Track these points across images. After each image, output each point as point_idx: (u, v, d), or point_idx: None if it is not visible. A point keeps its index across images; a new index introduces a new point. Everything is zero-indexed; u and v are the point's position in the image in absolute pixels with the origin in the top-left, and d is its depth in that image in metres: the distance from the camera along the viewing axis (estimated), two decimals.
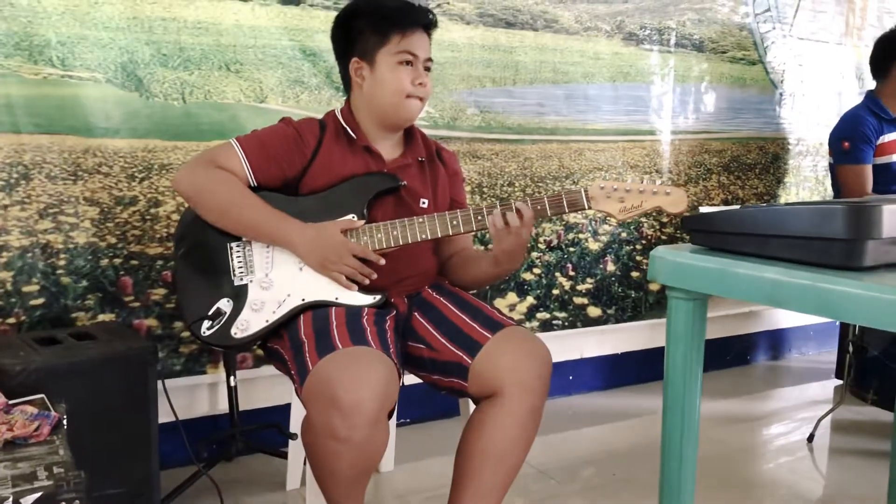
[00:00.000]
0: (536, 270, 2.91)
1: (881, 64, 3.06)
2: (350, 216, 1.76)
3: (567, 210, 1.74)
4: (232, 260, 1.77)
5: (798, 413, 3.09)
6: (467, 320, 1.74)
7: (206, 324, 1.74)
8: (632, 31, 3.01)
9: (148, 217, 2.21)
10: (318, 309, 1.71)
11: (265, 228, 1.74)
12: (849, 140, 2.99)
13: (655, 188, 1.70)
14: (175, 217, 2.22)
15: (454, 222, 1.74)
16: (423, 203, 1.86)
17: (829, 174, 3.19)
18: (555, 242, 2.93)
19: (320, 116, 1.89)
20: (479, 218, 1.73)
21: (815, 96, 3.57)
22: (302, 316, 1.71)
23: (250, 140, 1.78)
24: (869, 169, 2.95)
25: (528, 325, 2.89)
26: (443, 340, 1.73)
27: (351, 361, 1.48)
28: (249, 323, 1.74)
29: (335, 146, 1.82)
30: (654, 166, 3.14)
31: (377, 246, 1.75)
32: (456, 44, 2.62)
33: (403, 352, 1.77)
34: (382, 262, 1.74)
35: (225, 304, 1.75)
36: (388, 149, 1.87)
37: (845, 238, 1.23)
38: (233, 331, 1.73)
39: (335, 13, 1.89)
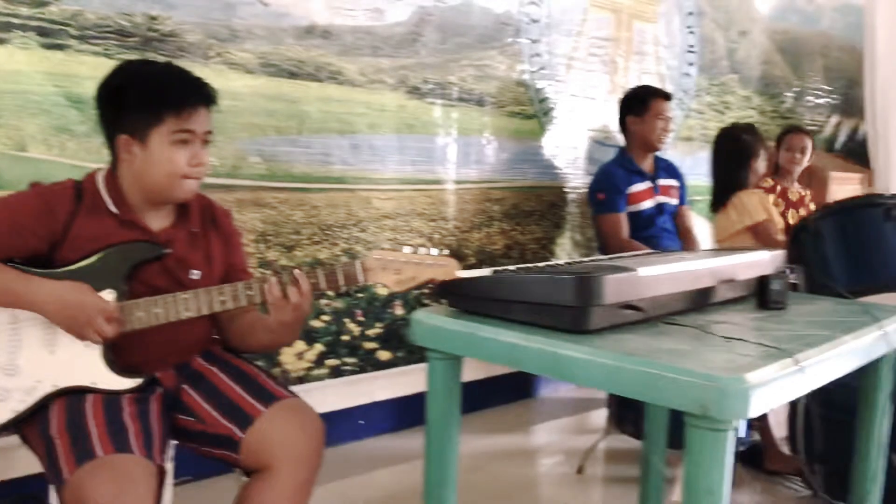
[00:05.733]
0: (325, 317, 2.93)
1: (621, 122, 3.46)
2: (107, 291, 1.61)
3: (343, 283, 1.66)
4: None
5: (574, 443, 3.30)
6: (239, 391, 1.70)
7: None
8: (415, 85, 3.14)
9: None
10: (71, 396, 1.59)
11: (10, 289, 1.56)
12: (603, 192, 3.31)
13: (431, 260, 1.66)
14: None
15: (222, 298, 1.64)
16: (194, 274, 1.74)
17: (593, 224, 3.49)
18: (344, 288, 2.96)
19: (79, 178, 1.72)
20: (250, 293, 1.64)
21: (585, 149, 3.88)
22: (55, 404, 1.58)
23: None
24: (624, 217, 3.27)
25: (316, 371, 2.90)
26: (213, 413, 1.68)
27: (111, 477, 1.40)
28: None
29: (92, 217, 1.65)
30: (440, 214, 3.27)
31: (136, 326, 1.63)
32: (238, 92, 2.60)
33: (172, 425, 1.70)
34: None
35: None
36: (157, 220, 1.73)
37: (572, 305, 1.36)
38: None
39: (105, 59, 1.78)
